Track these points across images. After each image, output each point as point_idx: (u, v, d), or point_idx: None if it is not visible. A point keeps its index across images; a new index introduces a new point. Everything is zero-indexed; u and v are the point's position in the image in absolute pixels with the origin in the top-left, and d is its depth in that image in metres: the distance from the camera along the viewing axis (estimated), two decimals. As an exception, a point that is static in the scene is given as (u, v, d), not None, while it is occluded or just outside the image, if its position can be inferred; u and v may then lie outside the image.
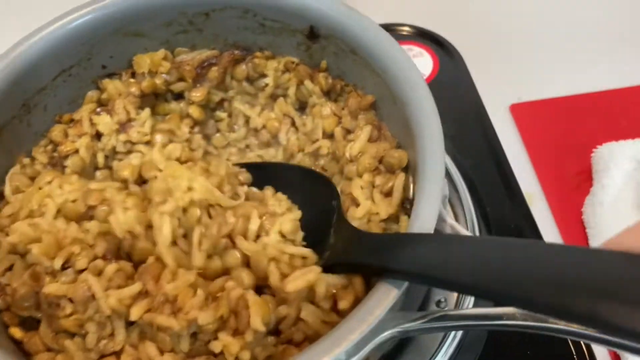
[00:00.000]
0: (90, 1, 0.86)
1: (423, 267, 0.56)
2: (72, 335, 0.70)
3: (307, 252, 0.71)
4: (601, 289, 0.40)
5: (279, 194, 0.77)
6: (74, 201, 0.76)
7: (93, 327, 0.68)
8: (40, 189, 0.78)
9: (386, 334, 0.62)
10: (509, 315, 0.59)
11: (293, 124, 0.91)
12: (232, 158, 0.93)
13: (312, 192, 0.78)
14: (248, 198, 0.77)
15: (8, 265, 0.73)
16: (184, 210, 0.72)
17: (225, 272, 0.72)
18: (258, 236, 0.73)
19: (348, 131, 0.84)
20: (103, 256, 0.72)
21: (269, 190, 0.78)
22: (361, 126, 0.82)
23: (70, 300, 0.68)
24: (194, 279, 0.67)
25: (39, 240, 0.71)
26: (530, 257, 0.49)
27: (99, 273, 0.70)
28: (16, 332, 0.72)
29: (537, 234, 1.00)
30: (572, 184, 1.08)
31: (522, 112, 1.20)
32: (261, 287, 0.69)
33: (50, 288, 0.68)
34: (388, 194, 0.75)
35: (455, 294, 0.86)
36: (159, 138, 0.87)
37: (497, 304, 0.60)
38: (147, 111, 0.88)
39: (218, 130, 0.94)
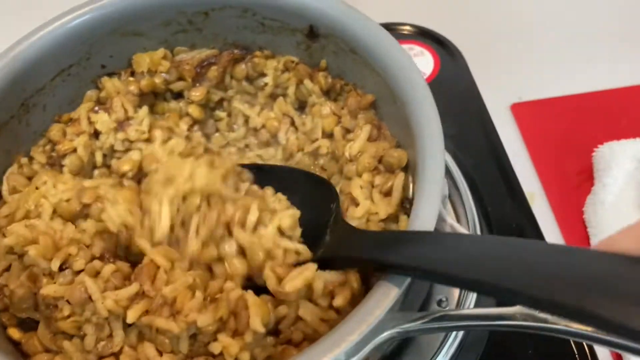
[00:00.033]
0: (89, 1, 0.86)
1: (422, 261, 0.56)
2: (70, 336, 0.70)
3: (301, 247, 0.71)
4: (589, 285, 0.41)
5: (279, 194, 0.77)
6: (68, 200, 0.76)
7: (91, 329, 0.68)
8: (37, 189, 0.78)
9: (386, 334, 0.62)
10: (510, 315, 0.58)
11: (292, 123, 0.90)
12: (232, 158, 0.92)
13: (311, 195, 0.77)
14: (248, 194, 0.77)
15: (6, 266, 0.73)
16: (184, 198, 0.72)
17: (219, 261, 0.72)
18: (255, 229, 0.72)
19: (347, 130, 0.84)
20: (100, 256, 0.72)
21: (269, 190, 0.77)
22: (361, 125, 0.82)
23: (68, 302, 0.68)
24: (192, 280, 0.67)
25: (36, 242, 0.71)
26: (526, 255, 0.49)
27: (96, 274, 0.70)
28: (14, 333, 0.72)
29: (538, 234, 0.99)
30: (573, 184, 1.08)
31: (523, 112, 1.19)
32: (260, 288, 0.68)
33: (48, 290, 0.69)
34: (387, 193, 0.75)
35: (456, 294, 0.86)
36: (158, 134, 0.87)
37: (491, 296, 0.59)
38: (144, 109, 0.88)
39: (217, 130, 0.94)
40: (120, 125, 0.86)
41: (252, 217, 0.72)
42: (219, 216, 0.72)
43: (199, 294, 0.66)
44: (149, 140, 0.87)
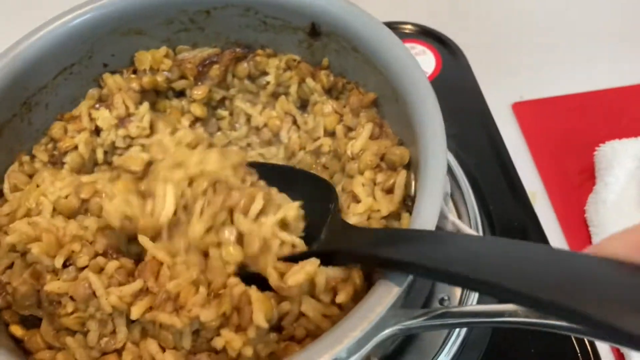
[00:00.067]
0: (90, 0, 0.86)
1: (416, 257, 0.56)
2: (73, 332, 0.70)
3: (298, 241, 0.71)
4: (580, 287, 0.41)
5: (282, 194, 0.77)
6: (66, 197, 0.77)
7: (94, 325, 0.68)
8: (37, 186, 0.79)
9: (388, 331, 0.62)
10: (511, 312, 0.59)
11: (294, 122, 0.90)
12: (241, 153, 0.91)
13: (311, 194, 0.77)
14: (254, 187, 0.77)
15: (8, 263, 0.73)
16: (190, 182, 0.73)
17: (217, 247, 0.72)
18: (257, 218, 0.73)
19: (349, 129, 0.84)
20: (104, 252, 0.72)
21: (273, 190, 0.78)
22: (363, 124, 0.82)
23: (72, 298, 0.68)
24: (196, 276, 0.67)
25: (39, 239, 0.71)
26: (523, 256, 0.49)
27: (100, 270, 0.70)
28: (17, 330, 0.72)
29: (540, 233, 0.99)
30: (574, 183, 1.08)
31: (524, 111, 1.20)
32: (262, 285, 0.68)
33: (52, 286, 0.69)
34: (389, 191, 0.75)
35: (458, 292, 0.86)
36: (162, 126, 0.87)
37: (490, 295, 0.59)
38: (145, 105, 0.88)
39: (219, 129, 0.94)
40: (121, 121, 0.86)
41: (257, 206, 0.72)
42: (224, 201, 0.72)
43: (202, 290, 0.66)
44: (150, 136, 0.87)
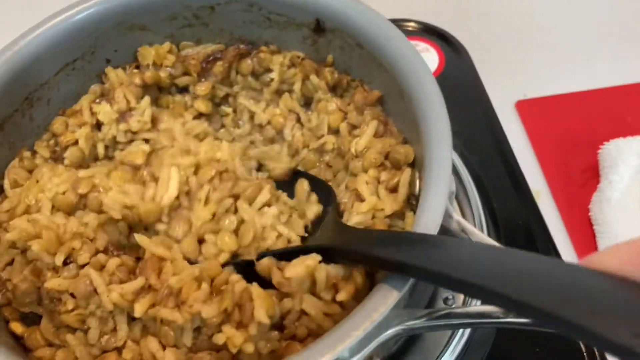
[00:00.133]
0: (92, -6, 0.85)
1: (410, 258, 0.56)
2: (73, 330, 0.70)
3: (294, 237, 0.72)
4: (575, 299, 0.42)
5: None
6: (64, 193, 0.76)
7: (95, 322, 0.68)
8: (37, 182, 0.78)
9: (390, 331, 0.61)
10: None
11: (298, 119, 0.90)
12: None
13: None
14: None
15: (9, 260, 0.73)
16: (196, 168, 0.75)
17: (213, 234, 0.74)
18: (260, 209, 0.75)
19: (354, 126, 0.84)
20: (104, 249, 0.72)
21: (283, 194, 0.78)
22: (367, 121, 0.82)
23: (72, 296, 0.68)
24: (199, 272, 0.67)
25: (39, 236, 0.71)
26: (526, 266, 0.48)
27: (101, 267, 0.70)
28: (17, 327, 0.72)
29: (545, 232, 0.99)
30: (578, 181, 1.07)
31: (527, 109, 1.19)
32: (264, 284, 0.68)
33: (52, 283, 0.68)
34: (393, 189, 0.75)
35: (462, 292, 0.86)
36: (166, 117, 0.87)
37: (487, 302, 0.59)
38: (146, 99, 0.87)
39: (223, 126, 0.94)
40: (122, 116, 0.86)
41: (263, 198, 0.74)
42: (232, 187, 0.74)
43: (204, 286, 0.66)
44: (151, 131, 0.86)
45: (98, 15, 0.85)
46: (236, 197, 0.75)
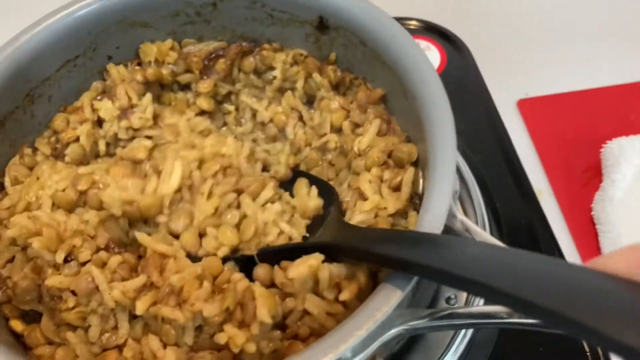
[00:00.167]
0: (94, -10, 0.85)
1: (423, 257, 0.55)
2: (74, 328, 0.70)
3: (296, 234, 0.72)
4: (583, 300, 0.42)
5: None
6: (64, 190, 0.76)
7: (96, 320, 0.68)
8: (37, 179, 0.78)
9: (393, 331, 0.61)
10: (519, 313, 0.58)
11: (300, 118, 0.90)
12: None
13: None
14: None
15: (9, 257, 0.73)
16: (200, 163, 0.75)
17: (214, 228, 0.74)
18: (264, 205, 0.75)
19: (356, 125, 0.83)
20: (106, 247, 0.72)
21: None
22: (370, 120, 0.81)
23: (73, 293, 0.68)
24: (200, 270, 0.67)
25: (40, 234, 0.71)
26: (532, 266, 0.48)
27: (102, 265, 0.70)
28: (17, 325, 0.71)
29: (548, 231, 0.99)
30: (581, 180, 1.07)
31: (529, 108, 1.19)
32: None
33: (53, 281, 0.68)
34: (396, 188, 0.75)
35: (465, 292, 0.85)
36: (168, 114, 0.87)
37: (489, 300, 0.59)
38: (148, 96, 0.87)
39: (225, 124, 0.94)
40: (124, 112, 0.86)
41: (266, 194, 0.74)
42: (237, 181, 0.74)
43: (206, 284, 0.66)
44: (153, 128, 0.86)
45: (100, 11, 0.85)
46: (239, 192, 0.75)
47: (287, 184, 0.79)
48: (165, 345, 0.66)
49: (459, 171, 0.97)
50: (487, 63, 1.24)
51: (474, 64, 1.24)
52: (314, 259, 0.64)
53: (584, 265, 0.47)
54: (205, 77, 0.91)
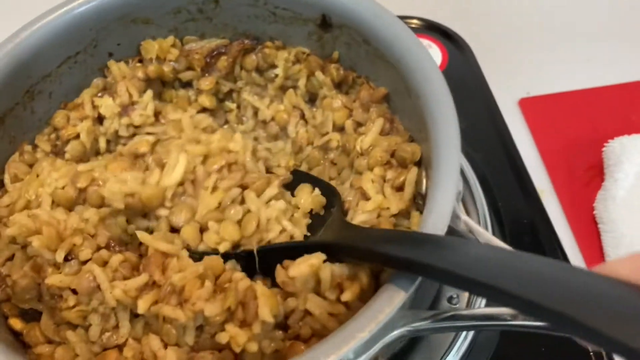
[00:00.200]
0: (96, -14, 0.85)
1: (427, 257, 0.55)
2: (74, 327, 0.69)
3: (298, 233, 0.72)
4: (591, 303, 0.42)
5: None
6: (63, 187, 0.75)
7: (97, 319, 0.68)
8: (37, 176, 0.78)
9: (396, 332, 0.61)
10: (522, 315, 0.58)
11: (302, 116, 0.90)
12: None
13: None
14: None
15: (9, 255, 0.72)
16: (205, 158, 0.75)
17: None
18: (268, 202, 0.75)
19: (359, 124, 0.83)
20: (106, 245, 0.72)
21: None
22: (373, 119, 0.81)
23: (74, 292, 0.68)
24: (202, 269, 0.66)
25: (40, 232, 0.70)
26: (537, 268, 0.48)
27: (104, 264, 0.69)
28: (16, 323, 0.71)
29: (550, 231, 0.99)
30: (583, 180, 1.07)
31: (531, 107, 1.19)
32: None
33: (53, 279, 0.68)
34: (399, 188, 0.74)
35: (467, 292, 0.85)
36: (170, 110, 0.87)
37: (494, 301, 0.59)
38: (149, 93, 0.87)
39: (226, 122, 0.94)
40: (125, 109, 0.86)
41: (271, 191, 0.74)
42: (242, 177, 0.74)
43: (208, 284, 0.65)
44: (154, 125, 0.86)
45: (101, 7, 0.85)
46: (244, 188, 0.75)
47: (288, 186, 0.79)
48: (166, 345, 0.66)
49: (461, 170, 0.97)
50: (489, 62, 1.23)
51: (476, 62, 1.24)
52: (316, 258, 0.64)
53: (589, 269, 0.47)
54: (206, 75, 0.91)
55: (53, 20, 0.82)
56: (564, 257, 0.95)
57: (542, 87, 1.21)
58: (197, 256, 0.71)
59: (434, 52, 1.26)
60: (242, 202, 0.74)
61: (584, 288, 0.43)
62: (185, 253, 0.70)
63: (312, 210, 0.76)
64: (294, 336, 0.66)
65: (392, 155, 0.77)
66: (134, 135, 0.86)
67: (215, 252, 0.71)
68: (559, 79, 1.21)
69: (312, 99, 0.90)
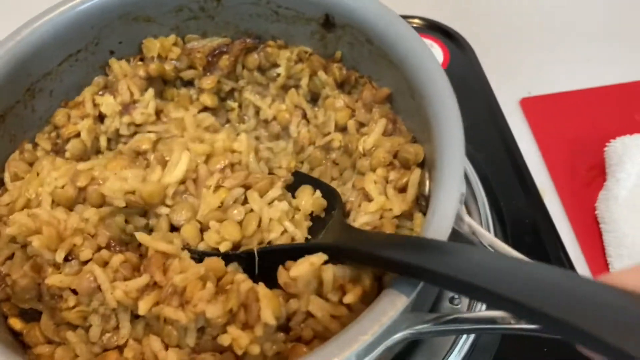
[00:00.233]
0: (98, -16, 0.84)
1: (429, 262, 0.55)
2: (74, 327, 0.69)
3: (299, 235, 0.72)
4: (594, 312, 0.42)
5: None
6: (62, 187, 0.75)
7: (97, 320, 0.67)
8: (37, 175, 0.77)
9: (399, 335, 0.60)
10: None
11: (304, 116, 0.89)
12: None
13: None
14: None
15: (9, 254, 0.72)
16: (208, 157, 0.75)
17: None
18: (271, 203, 0.75)
19: (362, 124, 0.83)
20: (107, 245, 0.72)
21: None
22: (375, 119, 0.81)
23: (74, 292, 0.67)
24: (204, 271, 0.66)
25: (39, 232, 0.70)
26: (542, 276, 0.48)
27: (104, 264, 0.69)
28: (16, 323, 0.71)
29: (553, 231, 0.99)
30: (584, 179, 1.07)
31: (532, 107, 1.19)
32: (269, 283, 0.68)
33: (53, 280, 0.68)
34: (402, 189, 0.74)
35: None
36: (172, 108, 0.87)
37: (496, 307, 0.59)
38: (150, 91, 0.87)
39: (228, 121, 0.93)
40: (126, 108, 0.85)
41: (274, 192, 0.74)
42: (245, 177, 0.74)
43: (210, 285, 0.65)
44: (155, 123, 0.86)
45: (103, 5, 0.84)
46: (247, 188, 0.75)
47: (289, 187, 0.79)
48: (166, 347, 0.65)
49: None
50: (490, 61, 1.24)
51: (477, 62, 1.24)
52: (316, 258, 0.64)
53: (594, 278, 0.47)
54: (208, 74, 0.91)
55: (54, 18, 0.82)
56: (565, 256, 0.95)
57: (543, 87, 1.21)
58: (196, 256, 0.71)
59: (436, 52, 1.26)
60: (244, 202, 0.74)
61: (588, 297, 0.44)
62: (186, 254, 0.70)
63: (312, 212, 0.75)
64: (295, 338, 0.65)
65: (395, 156, 0.76)
66: (135, 133, 0.86)
67: (215, 251, 0.71)
68: (560, 78, 1.22)
69: (314, 98, 0.90)
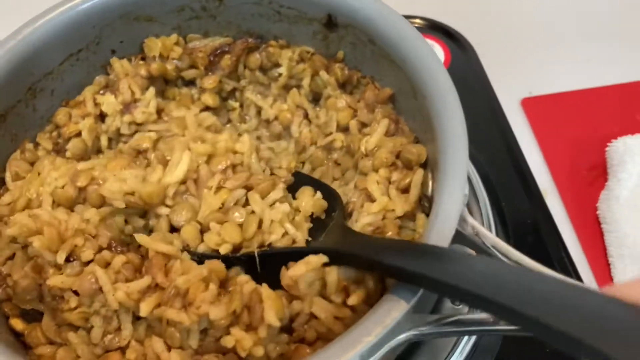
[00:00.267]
0: (100, -17, 0.84)
1: (429, 270, 0.54)
2: (76, 328, 0.69)
3: (300, 237, 0.71)
4: (594, 323, 0.42)
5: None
6: (63, 187, 0.75)
7: (99, 321, 0.67)
8: (39, 174, 0.77)
9: (402, 336, 0.60)
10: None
11: (306, 116, 0.89)
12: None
13: None
14: None
15: (9, 254, 0.72)
16: (209, 158, 0.75)
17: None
18: (272, 205, 0.74)
19: (364, 124, 0.83)
20: (108, 246, 0.71)
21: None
22: (378, 119, 0.81)
23: (76, 293, 0.67)
24: (207, 272, 0.66)
25: (40, 232, 0.70)
26: (541, 285, 0.48)
27: (106, 265, 0.69)
28: (17, 323, 0.71)
29: (554, 230, 0.99)
30: (586, 180, 1.07)
31: (533, 107, 1.18)
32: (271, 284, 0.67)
33: (55, 280, 0.67)
34: (405, 190, 0.74)
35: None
36: (173, 107, 0.87)
37: (496, 316, 0.59)
38: (151, 90, 0.87)
39: (229, 121, 0.93)
40: (127, 107, 0.85)
41: (276, 194, 0.74)
42: (248, 177, 0.74)
43: (212, 287, 0.64)
44: (156, 122, 0.86)
45: (104, 5, 0.84)
46: (248, 189, 0.75)
47: (289, 188, 0.78)
48: (169, 348, 0.65)
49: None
50: (491, 62, 1.24)
51: (478, 62, 1.24)
52: (318, 258, 0.64)
53: (598, 290, 0.47)
54: (210, 73, 0.91)
55: (56, 17, 0.82)
56: (567, 257, 0.95)
57: (545, 87, 1.21)
58: (196, 258, 0.71)
59: (437, 52, 1.25)
60: (245, 204, 0.74)
61: (593, 310, 0.43)
62: (186, 256, 0.70)
63: (312, 214, 0.75)
64: (299, 339, 0.65)
65: (398, 156, 0.76)
66: (135, 133, 0.85)
67: (215, 253, 0.71)
68: (561, 78, 1.21)
69: (316, 98, 0.90)
